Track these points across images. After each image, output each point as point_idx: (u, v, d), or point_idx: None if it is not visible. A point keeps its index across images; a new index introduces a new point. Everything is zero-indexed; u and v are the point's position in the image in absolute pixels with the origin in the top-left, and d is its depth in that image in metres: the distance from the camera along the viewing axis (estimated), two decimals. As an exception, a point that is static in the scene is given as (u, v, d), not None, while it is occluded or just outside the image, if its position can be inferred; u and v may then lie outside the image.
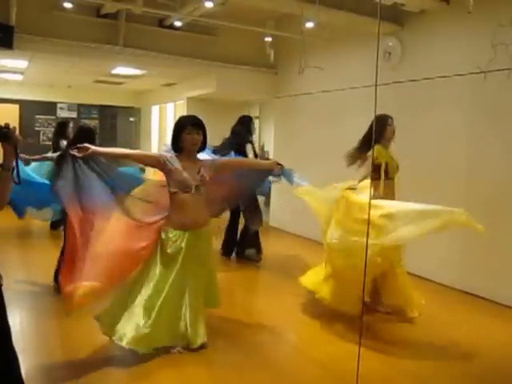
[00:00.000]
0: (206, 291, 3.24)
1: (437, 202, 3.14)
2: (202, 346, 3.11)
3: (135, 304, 2.97)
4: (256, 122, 7.22)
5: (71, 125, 6.30)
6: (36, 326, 3.57)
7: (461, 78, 4.64)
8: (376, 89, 2.02)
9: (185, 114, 8.13)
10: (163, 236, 3.06)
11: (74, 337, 3.33)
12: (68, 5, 5.65)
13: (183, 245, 3.04)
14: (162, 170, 3.11)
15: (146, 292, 2.99)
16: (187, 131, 3.07)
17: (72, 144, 4.30)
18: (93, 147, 2.89)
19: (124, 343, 2.88)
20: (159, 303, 2.96)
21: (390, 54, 5.41)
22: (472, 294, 4.49)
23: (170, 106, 9.27)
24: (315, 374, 2.95)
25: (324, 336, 3.52)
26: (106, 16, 6.10)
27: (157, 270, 3.03)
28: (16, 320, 3.43)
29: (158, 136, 10.03)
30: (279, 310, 4.06)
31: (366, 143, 3.81)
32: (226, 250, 5.59)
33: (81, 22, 6.03)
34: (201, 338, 3.12)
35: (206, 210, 3.19)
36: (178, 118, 3.27)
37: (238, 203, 4.63)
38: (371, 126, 3.84)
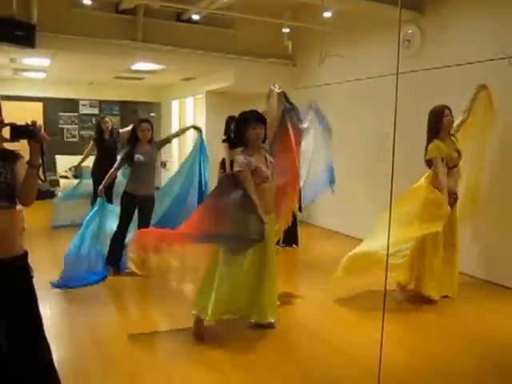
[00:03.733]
0: (264, 301, 3.31)
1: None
2: (270, 325, 3.32)
3: (218, 285, 3.13)
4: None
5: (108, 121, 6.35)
6: (65, 315, 3.69)
7: (484, 64, 4.54)
8: (397, 77, 2.01)
9: (204, 107, 8.18)
10: None
11: (102, 325, 3.43)
12: (87, 1, 5.74)
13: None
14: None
15: (226, 272, 3.14)
16: (252, 126, 3.16)
17: (134, 139, 4.45)
18: None
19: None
20: (239, 281, 3.17)
21: (409, 41, 5.33)
22: (496, 284, 4.44)
23: (189, 100, 9.31)
24: (338, 361, 2.97)
25: (346, 324, 3.54)
26: (124, 12, 6.15)
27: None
28: (46, 310, 3.53)
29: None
30: (303, 301, 4.09)
31: (429, 139, 3.89)
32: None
33: (100, 18, 6.10)
34: (272, 315, 3.33)
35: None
36: (239, 113, 3.31)
37: None
38: (429, 120, 3.89)
